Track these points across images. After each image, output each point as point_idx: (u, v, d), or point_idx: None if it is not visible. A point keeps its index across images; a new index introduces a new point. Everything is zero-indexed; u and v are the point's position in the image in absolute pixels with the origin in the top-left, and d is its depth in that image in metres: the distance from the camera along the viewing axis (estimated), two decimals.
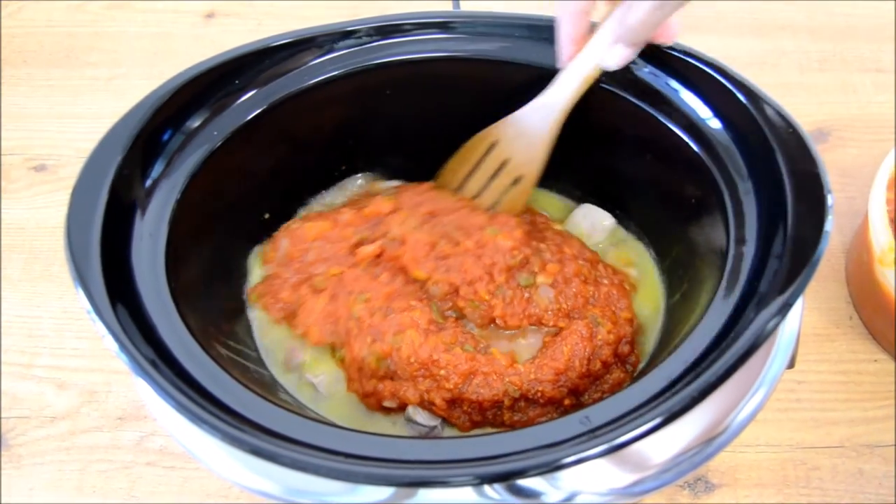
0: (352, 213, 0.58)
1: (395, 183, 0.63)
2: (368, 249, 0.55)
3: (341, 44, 0.54)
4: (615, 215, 0.60)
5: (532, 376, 0.50)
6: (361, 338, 0.51)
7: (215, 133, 0.51)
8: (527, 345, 0.53)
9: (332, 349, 0.53)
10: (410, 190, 0.59)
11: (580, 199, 0.62)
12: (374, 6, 0.60)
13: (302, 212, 0.61)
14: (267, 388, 0.50)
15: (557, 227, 0.59)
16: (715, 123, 0.50)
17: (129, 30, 0.91)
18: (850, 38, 0.86)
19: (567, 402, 0.50)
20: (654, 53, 0.52)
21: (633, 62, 0.52)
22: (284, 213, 0.60)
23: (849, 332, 0.64)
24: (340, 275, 0.55)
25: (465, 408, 0.50)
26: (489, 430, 0.51)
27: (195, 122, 0.51)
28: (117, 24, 0.91)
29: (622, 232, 0.60)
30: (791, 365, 0.44)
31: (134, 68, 0.87)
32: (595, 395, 0.51)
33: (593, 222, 0.60)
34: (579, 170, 0.61)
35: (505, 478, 0.37)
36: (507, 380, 0.50)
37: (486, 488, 0.39)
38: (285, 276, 0.55)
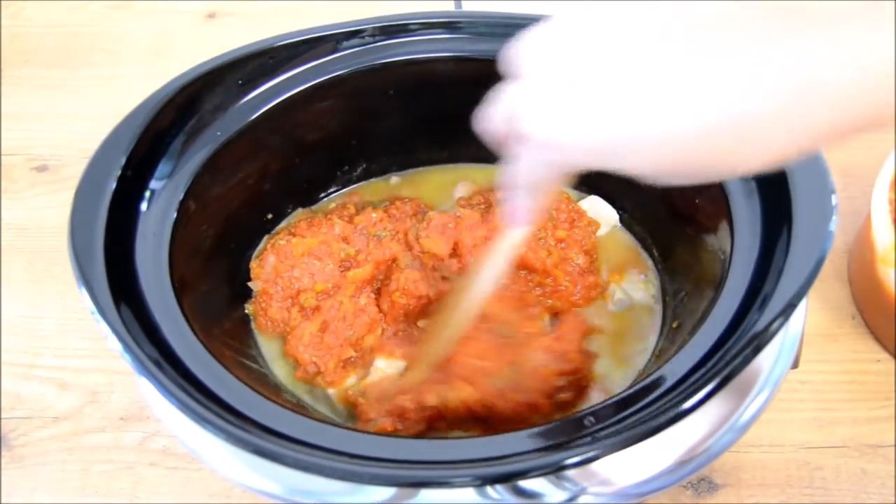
0: (342, 225, 0.57)
1: None
2: (359, 273, 0.55)
3: (345, 44, 0.54)
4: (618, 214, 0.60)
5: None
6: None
7: (219, 133, 0.51)
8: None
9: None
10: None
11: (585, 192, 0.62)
12: (374, 6, 0.60)
13: (300, 212, 0.61)
14: (270, 387, 0.50)
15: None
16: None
17: (131, 30, 0.91)
18: None
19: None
20: None
21: None
22: (287, 213, 0.60)
23: (851, 332, 0.64)
24: (329, 294, 0.54)
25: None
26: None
27: (199, 122, 0.51)
28: (119, 24, 0.91)
29: (624, 231, 0.60)
30: (795, 365, 0.44)
31: (135, 68, 0.87)
32: None
33: (597, 215, 0.60)
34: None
35: (507, 479, 0.37)
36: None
37: (488, 489, 0.39)
38: (272, 293, 0.54)
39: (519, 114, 0.32)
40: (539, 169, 0.35)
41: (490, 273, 0.45)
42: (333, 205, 0.61)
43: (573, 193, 0.62)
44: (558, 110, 0.30)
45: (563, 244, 0.57)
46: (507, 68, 0.33)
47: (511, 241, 0.44)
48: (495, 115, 0.35)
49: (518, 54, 0.32)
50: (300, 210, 0.61)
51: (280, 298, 0.54)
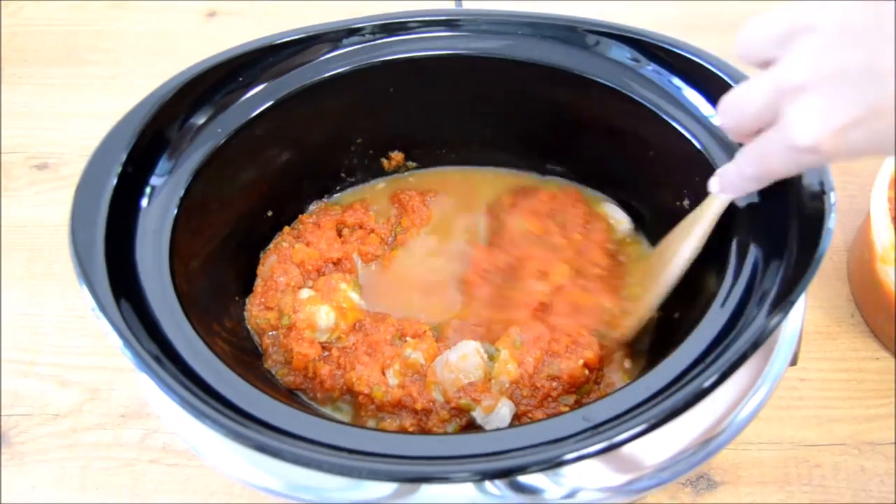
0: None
1: None
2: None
3: (346, 41, 0.54)
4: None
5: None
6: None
7: (219, 130, 0.51)
8: None
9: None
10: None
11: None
12: (374, 5, 0.60)
13: (313, 207, 0.61)
14: (270, 384, 0.50)
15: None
16: (718, 120, 0.50)
17: (131, 28, 0.91)
18: None
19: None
20: (657, 52, 0.52)
21: (637, 60, 0.52)
22: (288, 210, 0.60)
23: (850, 329, 0.64)
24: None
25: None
26: None
27: (199, 120, 0.51)
28: (118, 23, 0.91)
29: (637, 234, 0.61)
30: (794, 362, 0.44)
31: (135, 67, 0.87)
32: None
33: (612, 222, 0.60)
34: (583, 162, 0.61)
35: (506, 474, 0.37)
36: None
37: (488, 484, 0.39)
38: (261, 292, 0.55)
39: (782, 115, 0.35)
40: (787, 165, 0.38)
41: (696, 239, 0.48)
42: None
43: (591, 193, 0.62)
44: (832, 119, 0.33)
45: (580, 248, 0.56)
46: (749, 51, 0.37)
47: (718, 206, 0.47)
48: (750, 106, 0.38)
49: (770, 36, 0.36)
50: (315, 203, 0.62)
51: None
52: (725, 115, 0.40)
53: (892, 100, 0.32)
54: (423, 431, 0.49)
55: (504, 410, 0.48)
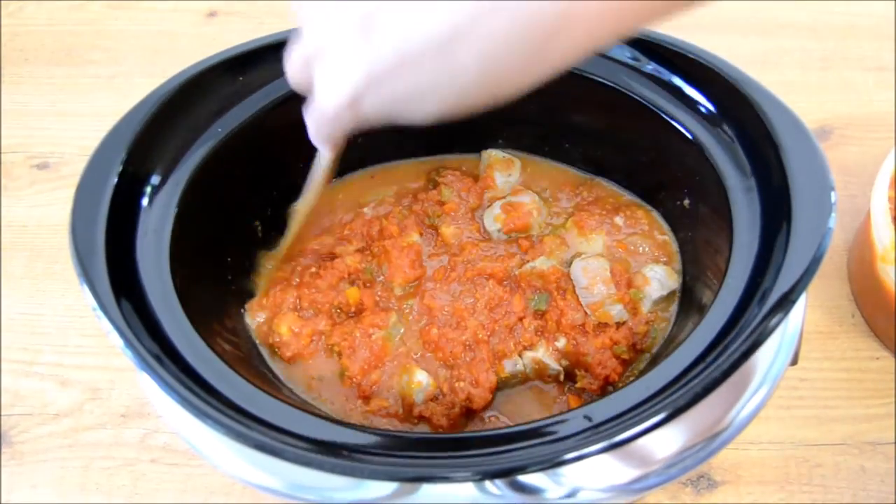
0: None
1: None
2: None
3: None
4: None
5: None
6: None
7: (219, 130, 0.51)
8: None
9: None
10: None
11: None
12: None
13: None
14: (270, 383, 0.50)
15: None
16: (718, 120, 0.50)
17: (131, 28, 0.91)
18: (851, 37, 0.86)
19: None
20: (658, 51, 0.52)
21: (638, 59, 0.52)
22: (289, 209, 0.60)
23: (851, 329, 0.64)
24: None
25: None
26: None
27: (200, 119, 0.51)
28: (119, 23, 0.91)
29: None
30: (794, 362, 0.44)
31: (135, 67, 0.87)
32: None
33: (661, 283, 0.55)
34: (580, 161, 0.61)
35: (506, 474, 0.37)
36: None
37: (488, 484, 0.39)
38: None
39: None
40: (337, 126, 0.39)
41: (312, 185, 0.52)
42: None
43: (580, 173, 0.61)
44: (344, 85, 0.34)
45: None
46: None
47: (323, 160, 0.49)
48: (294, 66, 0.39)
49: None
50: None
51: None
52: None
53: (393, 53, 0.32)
54: None
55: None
